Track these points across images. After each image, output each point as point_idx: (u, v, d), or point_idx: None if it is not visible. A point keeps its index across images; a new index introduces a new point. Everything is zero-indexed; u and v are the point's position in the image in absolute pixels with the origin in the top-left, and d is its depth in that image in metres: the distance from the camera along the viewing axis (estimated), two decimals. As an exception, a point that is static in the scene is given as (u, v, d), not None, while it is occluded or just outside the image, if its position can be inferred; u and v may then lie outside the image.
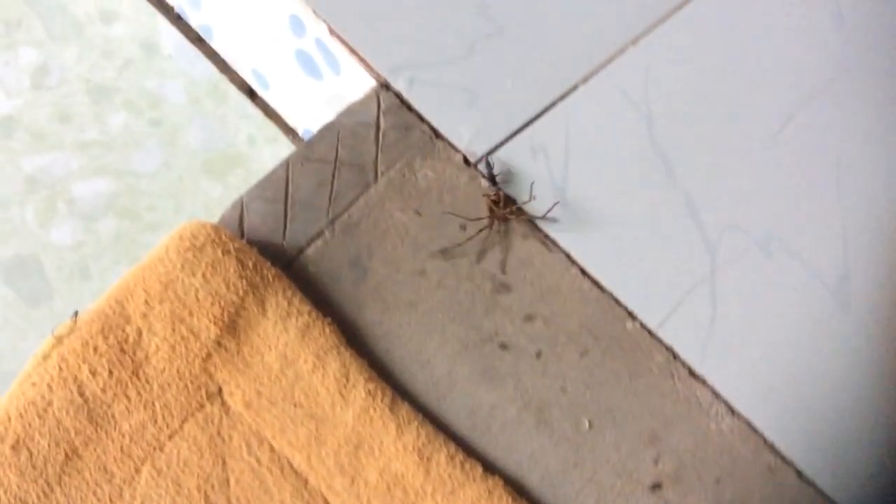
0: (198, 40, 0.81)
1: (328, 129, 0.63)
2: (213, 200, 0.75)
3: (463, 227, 0.61)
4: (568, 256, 0.61)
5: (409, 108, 0.64)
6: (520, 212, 0.59)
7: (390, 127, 0.63)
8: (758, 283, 0.62)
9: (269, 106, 0.79)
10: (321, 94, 0.71)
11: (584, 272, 0.61)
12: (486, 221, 0.59)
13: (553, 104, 0.66)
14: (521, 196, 0.61)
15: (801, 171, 0.66)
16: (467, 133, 0.63)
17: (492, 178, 0.59)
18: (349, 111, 0.64)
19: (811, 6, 0.73)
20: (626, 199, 0.63)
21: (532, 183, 0.61)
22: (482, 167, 0.60)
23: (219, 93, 0.80)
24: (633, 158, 0.65)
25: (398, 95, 0.64)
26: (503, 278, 0.60)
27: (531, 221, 0.61)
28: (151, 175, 0.75)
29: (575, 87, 0.67)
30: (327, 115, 0.72)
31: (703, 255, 0.62)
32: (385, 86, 0.64)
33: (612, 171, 0.64)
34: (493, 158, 0.61)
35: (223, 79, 0.80)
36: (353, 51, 0.65)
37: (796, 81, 0.70)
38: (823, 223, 0.64)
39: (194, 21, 0.80)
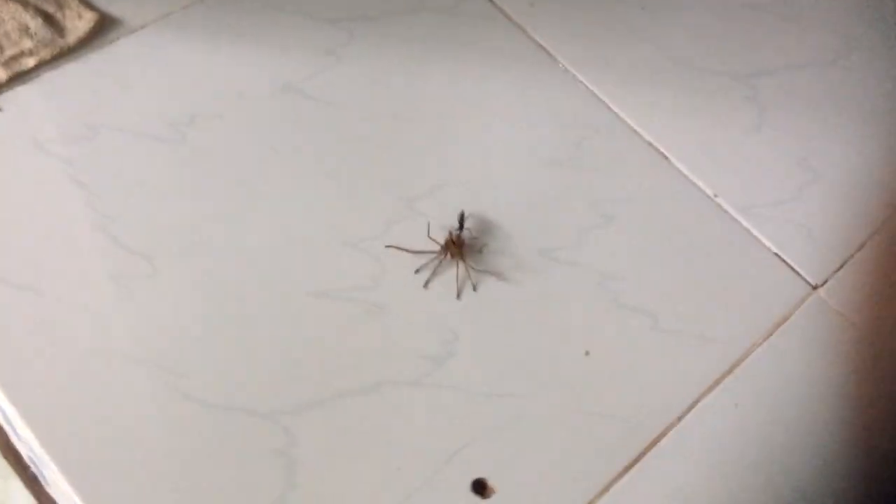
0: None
1: None
2: None
3: None
4: None
5: None
6: (461, 257, 0.73)
7: None
8: None
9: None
10: None
11: None
12: (439, 250, 0.73)
13: None
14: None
15: None
16: None
17: (460, 224, 0.74)
18: None
19: None
20: None
21: (485, 244, 0.75)
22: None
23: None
24: None
25: None
26: None
27: None
28: None
29: None
30: None
31: None
32: None
33: None
34: (471, 217, 0.76)
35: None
36: None
37: None
38: None
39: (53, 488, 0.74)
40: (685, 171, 0.83)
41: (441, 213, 0.77)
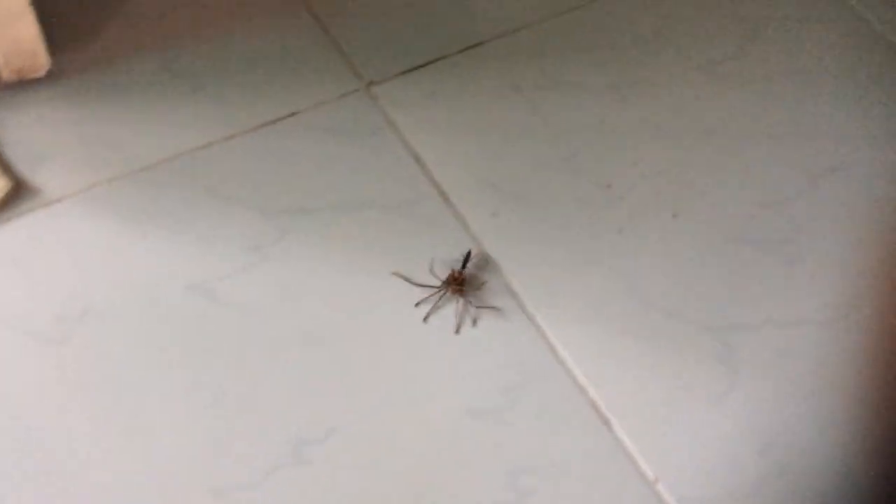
0: None
1: None
2: None
3: None
4: None
5: None
6: (462, 293, 0.75)
7: None
8: None
9: None
10: None
11: None
12: (441, 286, 0.75)
13: None
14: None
15: None
16: None
17: (464, 263, 0.77)
18: None
19: None
20: None
21: (484, 282, 0.77)
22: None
23: None
24: None
25: None
26: None
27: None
28: None
29: None
30: None
31: None
32: None
33: None
34: (476, 256, 0.78)
35: None
36: None
37: None
38: None
39: None
40: (627, 443, 0.72)
41: (333, 466, 0.68)
